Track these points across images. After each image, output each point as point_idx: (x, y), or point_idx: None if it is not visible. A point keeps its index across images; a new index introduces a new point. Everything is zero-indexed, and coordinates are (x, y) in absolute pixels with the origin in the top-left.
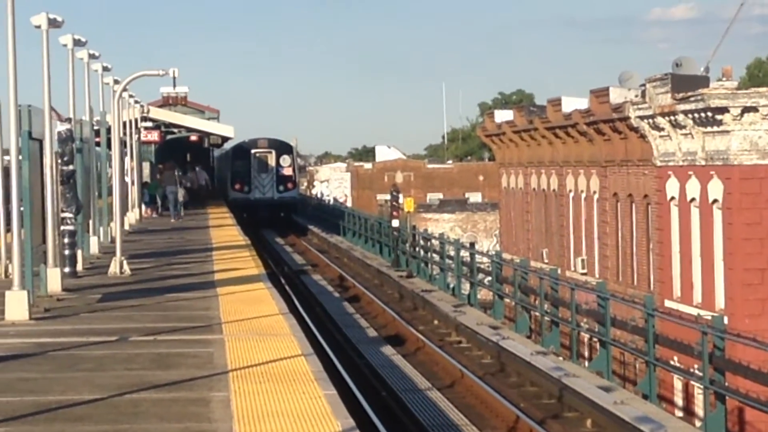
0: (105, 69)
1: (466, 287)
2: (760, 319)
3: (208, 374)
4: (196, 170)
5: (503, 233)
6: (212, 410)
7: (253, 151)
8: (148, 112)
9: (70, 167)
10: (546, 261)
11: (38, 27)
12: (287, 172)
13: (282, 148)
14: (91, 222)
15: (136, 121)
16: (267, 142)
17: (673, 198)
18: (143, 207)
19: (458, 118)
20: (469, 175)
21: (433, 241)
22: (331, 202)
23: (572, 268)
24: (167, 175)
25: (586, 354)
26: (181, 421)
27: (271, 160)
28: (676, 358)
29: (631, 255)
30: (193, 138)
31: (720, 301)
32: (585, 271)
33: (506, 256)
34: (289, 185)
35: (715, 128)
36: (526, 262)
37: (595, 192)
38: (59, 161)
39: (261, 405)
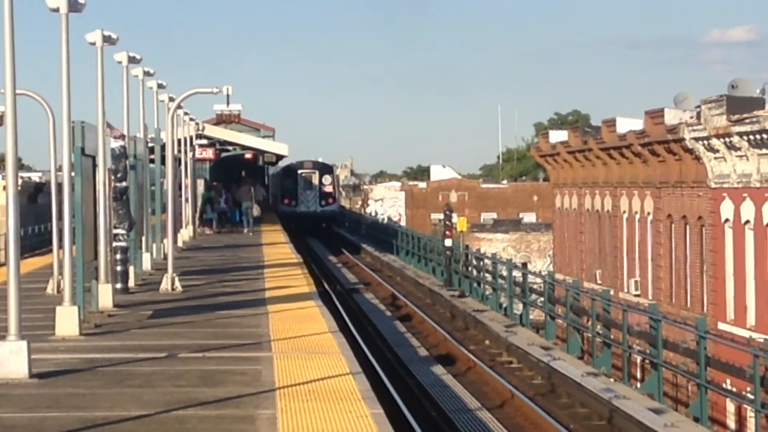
0: (160, 86)
1: (518, 307)
2: None
3: (256, 392)
4: (255, 187)
5: (557, 254)
6: (258, 428)
7: (299, 171)
8: (203, 129)
9: (124, 184)
10: (599, 282)
11: (93, 44)
12: (328, 189)
13: (324, 169)
14: (144, 239)
15: (190, 138)
16: (311, 164)
17: (727, 220)
18: (201, 224)
19: (513, 138)
20: (523, 195)
21: (486, 260)
22: (386, 220)
23: (625, 290)
24: (243, 191)
25: (638, 375)
26: None
27: (315, 179)
28: (728, 381)
29: (685, 277)
30: (248, 156)
31: None
32: (638, 292)
33: (559, 276)
34: (330, 200)
35: None
36: (578, 283)
37: (649, 213)
38: (112, 178)
39: (307, 423)
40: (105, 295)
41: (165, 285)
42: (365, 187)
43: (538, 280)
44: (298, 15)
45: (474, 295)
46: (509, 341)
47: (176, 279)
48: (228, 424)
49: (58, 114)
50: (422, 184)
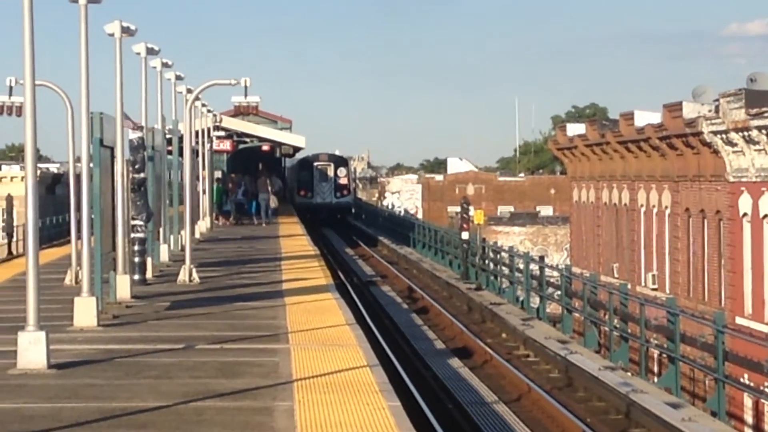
0: (178, 78)
1: (535, 301)
2: None
3: (273, 383)
4: (271, 179)
5: (574, 247)
6: (275, 419)
7: (315, 163)
8: (220, 121)
9: (142, 175)
10: (616, 276)
11: (111, 35)
12: (343, 181)
13: (339, 161)
14: (161, 230)
15: (208, 130)
16: (327, 156)
17: (745, 214)
18: (219, 216)
19: (531, 131)
20: (540, 188)
21: (503, 253)
22: (402, 213)
23: (643, 284)
24: (259, 183)
25: (656, 370)
26: (244, 429)
27: (330, 172)
28: (746, 376)
29: (703, 271)
30: (265, 148)
31: None
32: (655, 286)
33: (576, 270)
34: (345, 192)
35: None
36: (595, 277)
37: (666, 207)
38: (130, 169)
39: (324, 415)
40: (123, 286)
41: (182, 276)
42: (382, 179)
43: (555, 273)
44: (317, 7)
45: (491, 288)
46: (526, 334)
47: (194, 270)
48: (245, 415)
49: (77, 105)
50: (439, 177)
